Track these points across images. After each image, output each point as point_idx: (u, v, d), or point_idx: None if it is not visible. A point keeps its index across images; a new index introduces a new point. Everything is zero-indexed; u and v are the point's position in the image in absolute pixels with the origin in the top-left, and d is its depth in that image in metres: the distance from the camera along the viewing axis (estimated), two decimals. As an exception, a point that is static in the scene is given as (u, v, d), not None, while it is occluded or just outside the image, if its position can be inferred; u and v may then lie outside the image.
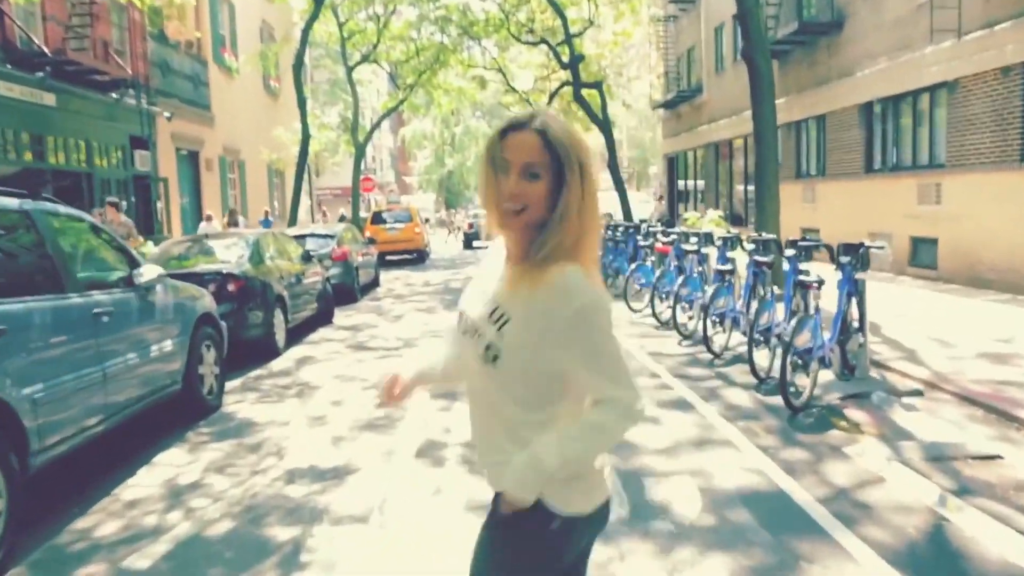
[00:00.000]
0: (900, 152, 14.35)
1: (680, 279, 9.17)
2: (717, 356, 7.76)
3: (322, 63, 46.75)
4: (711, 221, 12.49)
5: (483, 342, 1.60)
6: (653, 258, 11.15)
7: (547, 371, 1.58)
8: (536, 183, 1.56)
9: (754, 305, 7.38)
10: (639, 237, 12.15)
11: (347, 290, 14.05)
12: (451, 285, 16.49)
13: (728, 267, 8.18)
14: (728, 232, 9.73)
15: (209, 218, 21.49)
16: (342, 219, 26.59)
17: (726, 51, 22.69)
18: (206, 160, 21.28)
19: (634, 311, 10.67)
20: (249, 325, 8.32)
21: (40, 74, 12.33)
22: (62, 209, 4.96)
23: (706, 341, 7.90)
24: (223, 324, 6.99)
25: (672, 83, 27.44)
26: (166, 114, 17.18)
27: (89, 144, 15.19)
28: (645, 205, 26.08)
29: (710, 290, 8.14)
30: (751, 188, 21.01)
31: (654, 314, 9.83)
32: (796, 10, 17.38)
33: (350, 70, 30.07)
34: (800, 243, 6.89)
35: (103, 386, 4.72)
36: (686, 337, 8.73)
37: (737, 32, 21.80)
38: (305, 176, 37.24)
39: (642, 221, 15.41)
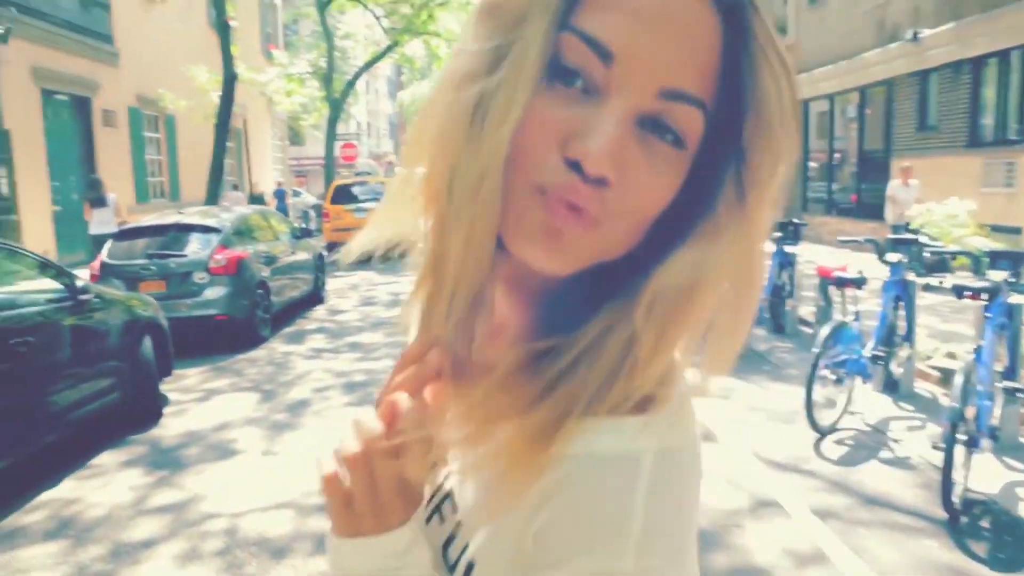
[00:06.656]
0: None
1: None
2: None
3: (305, 12, 40.61)
4: (961, 225, 6.20)
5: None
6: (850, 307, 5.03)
7: None
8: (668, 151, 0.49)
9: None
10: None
11: (243, 325, 8.09)
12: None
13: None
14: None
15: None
16: (256, 200, 17.96)
17: (830, -28, 16.32)
18: (104, 112, 15.21)
19: (821, 431, 4.69)
20: None
21: None
22: None
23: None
24: None
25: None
26: (-1, 31, 11.14)
27: None
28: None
29: None
30: (872, 163, 14.75)
31: (946, 488, 3.55)
32: None
33: (323, 6, 24.05)
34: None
35: None
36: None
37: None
38: (279, 144, 31.39)
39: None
